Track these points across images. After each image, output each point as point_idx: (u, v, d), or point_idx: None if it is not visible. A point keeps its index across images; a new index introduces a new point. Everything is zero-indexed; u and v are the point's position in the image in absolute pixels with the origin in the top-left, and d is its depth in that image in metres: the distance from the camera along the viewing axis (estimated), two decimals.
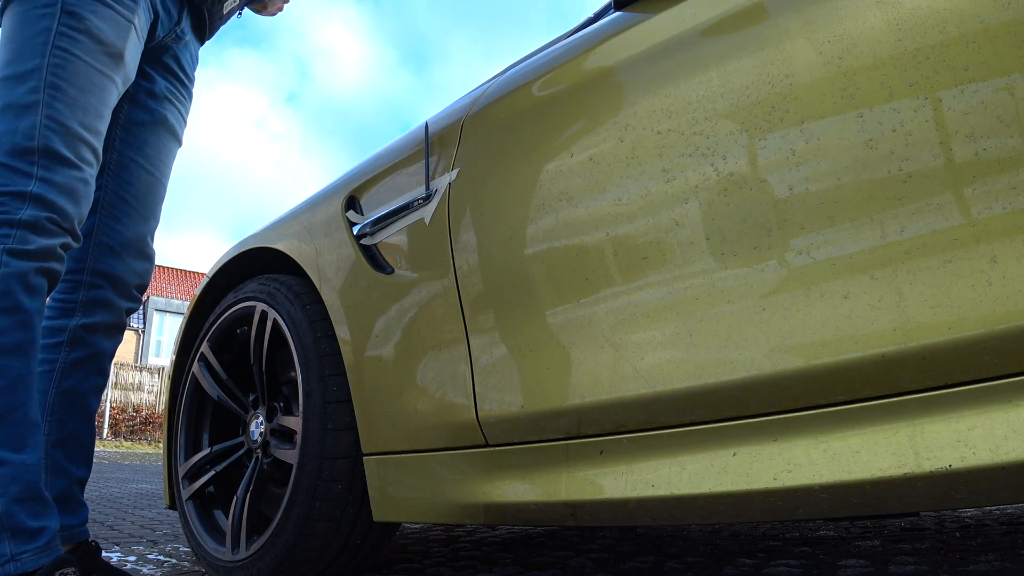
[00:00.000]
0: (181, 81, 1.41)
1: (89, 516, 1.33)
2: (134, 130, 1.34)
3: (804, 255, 0.79)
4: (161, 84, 1.38)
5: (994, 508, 2.16)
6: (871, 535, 1.70)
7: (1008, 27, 0.69)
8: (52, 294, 1.32)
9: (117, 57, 1.13)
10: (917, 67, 0.73)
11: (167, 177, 1.44)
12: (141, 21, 1.19)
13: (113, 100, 1.17)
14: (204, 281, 1.75)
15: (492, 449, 1.07)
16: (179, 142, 1.46)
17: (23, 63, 1.07)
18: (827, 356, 0.76)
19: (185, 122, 1.46)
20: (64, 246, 1.09)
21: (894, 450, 0.71)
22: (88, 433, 1.34)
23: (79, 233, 1.13)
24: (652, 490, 0.88)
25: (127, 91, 1.29)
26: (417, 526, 2.17)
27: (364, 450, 1.23)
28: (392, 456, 1.20)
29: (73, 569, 1.04)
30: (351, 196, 1.38)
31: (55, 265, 1.08)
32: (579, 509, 0.96)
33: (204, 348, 1.60)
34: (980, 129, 0.69)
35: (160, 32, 1.30)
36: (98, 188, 1.32)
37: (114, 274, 1.35)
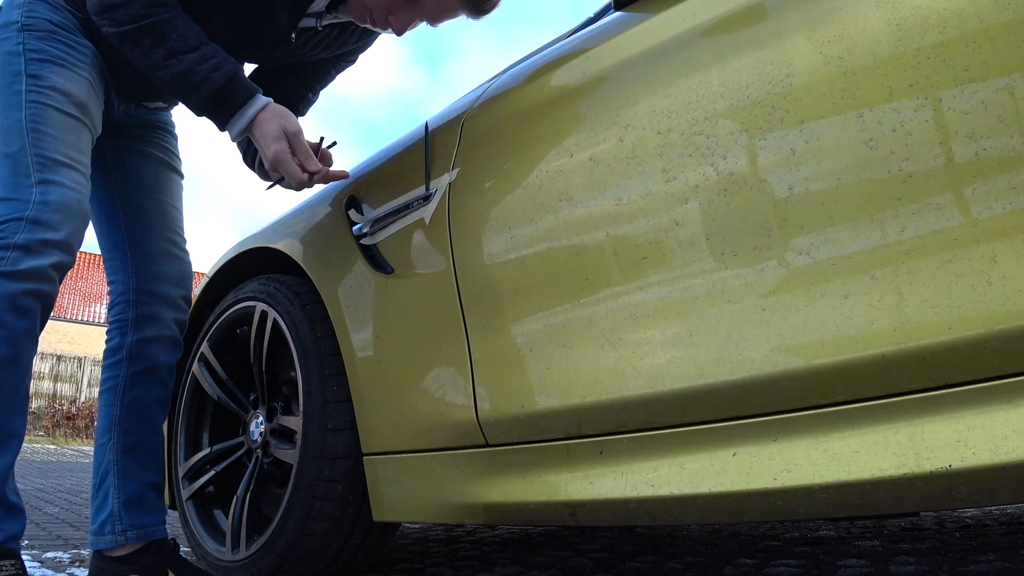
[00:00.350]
0: (152, 126, 1.51)
1: (166, 518, 1.43)
2: (128, 171, 1.47)
3: (804, 255, 0.79)
4: (138, 131, 1.49)
5: (994, 508, 2.16)
6: (871, 535, 1.70)
7: (1008, 27, 0.69)
8: (109, 319, 1.46)
9: (82, 106, 1.25)
10: (917, 67, 0.73)
11: (177, 201, 1.53)
12: (96, 84, 1.30)
13: (88, 144, 1.27)
14: (204, 281, 1.75)
15: (492, 449, 1.07)
16: (179, 174, 1.55)
17: (5, 122, 1.20)
18: (827, 356, 0.76)
19: (177, 157, 1.56)
20: (56, 266, 1.16)
21: (894, 450, 0.71)
22: (157, 441, 1.44)
23: (74, 248, 1.20)
24: (652, 490, 0.88)
25: (110, 142, 1.43)
26: (417, 526, 2.17)
27: (364, 450, 1.23)
28: (392, 456, 1.20)
29: (12, 562, 1.09)
30: (351, 196, 1.38)
31: (47, 287, 1.15)
32: (579, 509, 0.96)
33: (204, 348, 1.60)
34: (980, 129, 0.69)
35: (116, 111, 1.43)
36: (117, 226, 1.46)
37: (155, 289, 1.45)
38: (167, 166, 1.52)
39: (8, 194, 1.17)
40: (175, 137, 1.57)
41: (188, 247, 1.53)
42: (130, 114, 1.46)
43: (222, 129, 1.21)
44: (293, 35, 1.32)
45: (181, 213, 1.55)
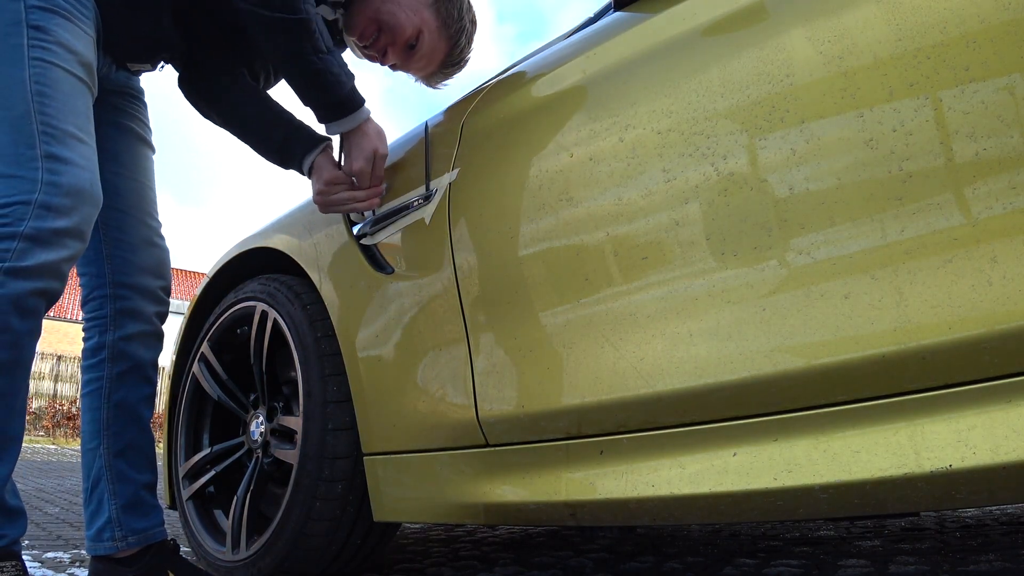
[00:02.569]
0: (126, 93, 1.43)
1: (164, 518, 1.39)
2: (104, 144, 1.35)
3: (804, 255, 0.79)
4: (112, 99, 1.39)
5: (994, 508, 2.16)
6: (871, 535, 1.70)
7: (1008, 27, 0.69)
8: (84, 315, 1.37)
9: (88, 68, 1.15)
10: (917, 67, 0.73)
11: (151, 180, 1.45)
12: (96, 43, 1.21)
13: (92, 112, 1.17)
14: (204, 281, 1.75)
15: (492, 449, 1.07)
16: (151, 147, 1.47)
17: (4, 79, 1.07)
18: (827, 356, 0.76)
19: (149, 128, 1.47)
20: (70, 259, 1.08)
21: (894, 450, 0.71)
22: (147, 441, 1.39)
23: (87, 235, 1.12)
24: (652, 490, 0.88)
25: None
26: (417, 526, 2.17)
27: (364, 450, 1.23)
28: (392, 456, 1.20)
29: (13, 563, 1.04)
30: None
31: (54, 284, 1.07)
32: (579, 509, 0.96)
33: (204, 348, 1.60)
34: (980, 129, 0.69)
35: (99, 74, 1.30)
36: None
37: (134, 282, 1.37)
38: (141, 139, 1.42)
39: (10, 170, 1.04)
40: (145, 105, 1.46)
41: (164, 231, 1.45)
42: (110, 78, 1.34)
43: (329, 122, 1.24)
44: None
45: (155, 194, 1.45)
